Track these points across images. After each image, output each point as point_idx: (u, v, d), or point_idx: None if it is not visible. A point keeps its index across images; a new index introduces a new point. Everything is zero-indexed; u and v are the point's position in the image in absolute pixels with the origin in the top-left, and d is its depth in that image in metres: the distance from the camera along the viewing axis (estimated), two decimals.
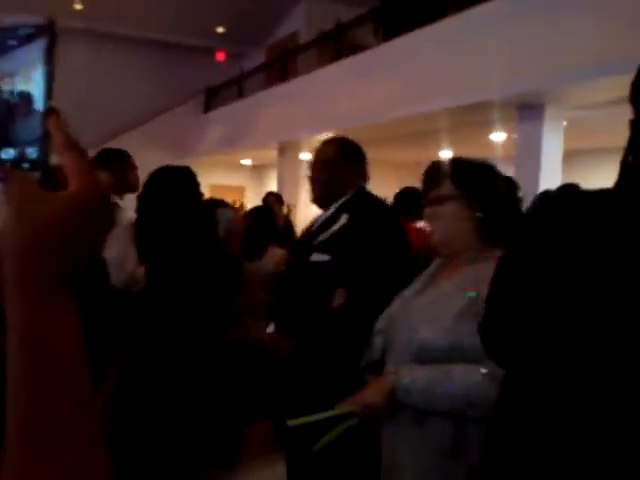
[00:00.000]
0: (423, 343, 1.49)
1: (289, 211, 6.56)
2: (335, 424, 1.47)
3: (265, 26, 13.29)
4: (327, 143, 2.45)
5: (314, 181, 2.41)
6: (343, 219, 2.20)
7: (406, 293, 1.69)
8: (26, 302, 0.46)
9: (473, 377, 1.39)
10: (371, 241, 2.10)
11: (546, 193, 1.02)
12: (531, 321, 1.01)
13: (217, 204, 3.20)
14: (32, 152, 0.51)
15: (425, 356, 1.49)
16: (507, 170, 1.82)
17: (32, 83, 0.50)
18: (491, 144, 8.55)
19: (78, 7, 11.93)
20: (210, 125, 12.93)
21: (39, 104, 0.50)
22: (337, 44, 9.60)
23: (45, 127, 0.50)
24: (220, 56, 14.19)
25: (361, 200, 2.29)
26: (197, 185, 2.41)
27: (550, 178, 6.13)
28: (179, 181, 2.37)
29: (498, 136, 8.12)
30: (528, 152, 6.41)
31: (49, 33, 0.51)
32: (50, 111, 0.51)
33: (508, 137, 7.84)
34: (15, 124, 0.51)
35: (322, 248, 2.19)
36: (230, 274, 2.40)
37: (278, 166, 10.98)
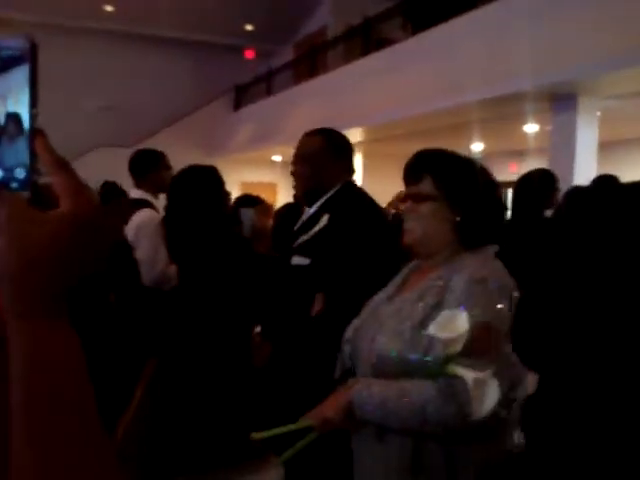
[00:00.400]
0: (380, 355, 1.42)
1: None
2: (303, 435, 1.41)
3: (293, 23, 13.30)
4: (311, 135, 2.26)
5: (297, 176, 2.23)
6: (324, 220, 2.04)
7: (377, 298, 1.61)
8: (23, 322, 0.48)
9: (428, 393, 1.30)
10: (351, 244, 1.96)
11: (576, 189, 1.00)
12: (564, 323, 0.99)
13: (251, 201, 3.22)
14: (20, 172, 0.51)
15: (383, 369, 1.42)
16: (541, 163, 1.76)
17: (21, 105, 0.51)
18: (524, 136, 8.43)
19: (109, 9, 12.09)
20: (240, 122, 13.00)
21: (26, 125, 0.51)
22: (365, 39, 9.56)
23: (32, 148, 0.51)
24: (249, 54, 14.25)
25: (345, 198, 2.12)
26: (222, 184, 2.43)
27: (585, 170, 6.01)
28: (204, 180, 2.39)
29: (531, 128, 7.99)
30: (562, 144, 6.29)
31: (33, 56, 0.51)
32: (36, 132, 0.51)
33: (541, 129, 7.71)
34: (3, 146, 0.51)
35: (302, 251, 2.05)
36: (257, 271, 2.40)
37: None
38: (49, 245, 0.48)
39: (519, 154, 10.49)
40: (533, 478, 1.49)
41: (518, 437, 1.49)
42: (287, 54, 13.45)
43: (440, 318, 1.23)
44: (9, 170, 0.51)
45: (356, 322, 1.59)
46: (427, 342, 1.33)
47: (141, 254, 2.96)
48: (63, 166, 0.51)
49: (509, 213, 4.20)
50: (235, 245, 2.39)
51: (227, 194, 2.53)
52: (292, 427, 1.42)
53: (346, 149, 2.23)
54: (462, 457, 1.37)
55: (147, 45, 13.00)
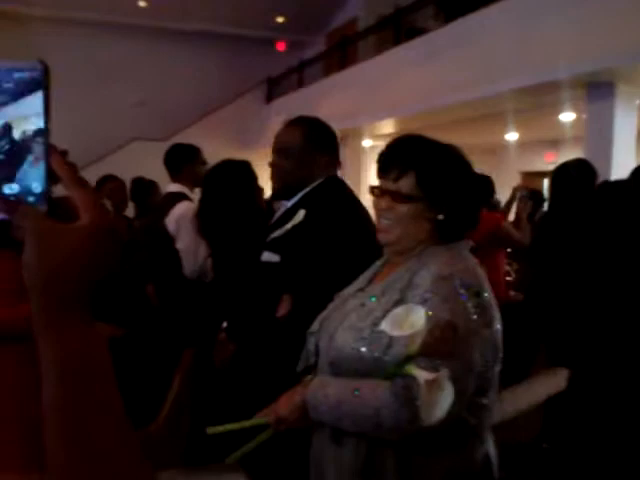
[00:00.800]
0: (338, 351, 1.36)
1: None
2: (256, 434, 1.35)
3: (324, 14, 13.26)
4: (291, 126, 2.08)
5: (275, 169, 2.07)
6: (299, 216, 1.90)
7: (347, 290, 1.54)
8: (51, 329, 0.52)
9: (383, 397, 1.23)
10: (325, 244, 1.80)
11: (610, 184, 0.98)
12: (596, 319, 0.98)
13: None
14: (37, 187, 0.55)
15: (340, 366, 1.36)
16: (577, 152, 1.69)
17: (36, 126, 0.55)
18: (560, 125, 8.27)
19: (142, 4, 12.22)
20: (272, 115, 13.02)
21: (40, 139, 0.55)
22: (397, 29, 9.48)
23: (48, 164, 0.54)
24: (280, 46, 14.25)
25: (325, 193, 1.96)
26: (255, 178, 2.45)
27: (623, 159, 5.88)
28: (238, 175, 2.41)
29: (567, 116, 7.83)
30: (599, 133, 6.15)
31: (46, 80, 0.55)
32: (52, 150, 0.55)
33: (577, 118, 7.55)
34: (24, 162, 0.55)
35: (273, 247, 1.92)
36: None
37: (340, 154, 10.94)
38: (73, 256, 0.52)
39: (555, 143, 10.31)
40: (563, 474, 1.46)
41: (490, 445, 1.41)
42: (318, 45, 13.42)
43: (394, 314, 1.17)
44: (26, 185, 0.54)
45: (323, 314, 1.53)
46: (387, 340, 1.26)
47: (182, 245, 3.03)
48: (79, 181, 0.55)
49: (546, 204, 4.14)
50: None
51: (260, 188, 2.55)
52: (246, 424, 1.36)
53: (329, 141, 2.08)
54: (420, 465, 1.30)
55: (180, 40, 13.10)
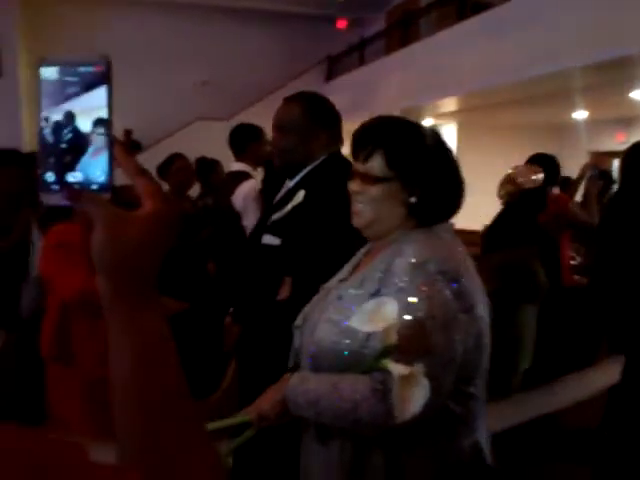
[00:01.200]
0: (317, 346, 1.33)
1: None
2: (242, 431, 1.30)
3: None
4: (290, 101, 2.05)
5: (275, 147, 2.05)
6: (299, 196, 1.86)
7: (331, 281, 1.49)
8: (120, 306, 0.56)
9: (360, 392, 1.20)
10: (325, 225, 1.76)
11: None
12: None
13: None
14: (100, 176, 0.58)
15: (320, 360, 1.33)
16: None
17: (100, 118, 0.58)
18: (631, 103, 7.92)
19: None
20: (333, 94, 12.88)
21: (105, 131, 0.58)
22: (460, 4, 9.21)
23: (112, 155, 0.58)
24: (341, 24, 14.11)
25: (326, 172, 1.90)
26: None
27: None
28: None
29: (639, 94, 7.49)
30: None
31: (109, 74, 0.58)
32: (116, 142, 0.58)
33: None
34: (87, 152, 0.58)
35: (274, 229, 1.88)
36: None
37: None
38: (139, 242, 0.56)
39: (627, 122, 9.88)
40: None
41: (482, 434, 1.37)
42: (379, 22, 13.21)
43: (364, 309, 1.12)
44: (90, 174, 0.58)
45: (307, 308, 1.49)
46: (364, 334, 1.23)
47: (249, 222, 3.08)
48: (142, 171, 0.59)
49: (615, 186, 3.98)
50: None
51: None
52: (230, 422, 1.31)
53: (331, 116, 2.03)
54: (409, 460, 1.27)
55: (241, 19, 13.16)
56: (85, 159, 0.58)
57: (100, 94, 0.58)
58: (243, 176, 3.33)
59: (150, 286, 0.58)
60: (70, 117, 0.57)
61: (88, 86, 0.57)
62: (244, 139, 3.44)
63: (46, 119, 0.57)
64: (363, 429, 1.24)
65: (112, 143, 0.58)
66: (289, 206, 1.88)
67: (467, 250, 1.39)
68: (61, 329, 2.16)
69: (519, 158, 3.70)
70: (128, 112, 11.77)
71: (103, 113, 0.58)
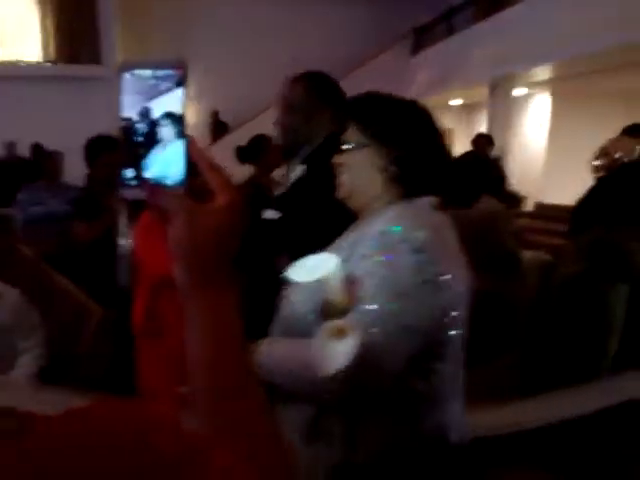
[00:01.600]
0: (289, 312, 1.36)
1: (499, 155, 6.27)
2: None
3: None
4: (294, 80, 2.10)
5: (280, 126, 2.09)
6: (299, 171, 1.91)
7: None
8: (197, 291, 0.62)
9: (310, 352, 1.16)
10: (321, 200, 1.70)
11: None
12: None
13: None
14: (176, 171, 0.63)
15: (289, 326, 1.34)
16: None
17: (175, 116, 0.63)
18: None
19: None
20: (418, 67, 12.71)
21: (181, 130, 0.63)
22: None
23: (186, 151, 0.63)
24: None
25: (328, 148, 1.83)
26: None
27: None
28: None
29: None
30: None
31: (185, 77, 0.63)
32: (191, 139, 0.63)
33: None
34: (162, 147, 0.63)
35: (276, 204, 1.90)
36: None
37: (489, 105, 10.49)
38: (215, 233, 0.62)
39: None
40: None
41: (450, 415, 1.31)
42: None
43: (303, 262, 1.15)
44: (166, 170, 0.62)
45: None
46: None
47: None
48: (215, 167, 0.64)
49: None
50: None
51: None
52: None
53: (335, 95, 2.04)
54: (364, 429, 1.24)
55: None
56: (162, 155, 0.62)
57: (176, 95, 0.62)
58: None
59: (224, 274, 0.63)
60: (148, 116, 0.62)
61: (166, 87, 0.62)
62: None
63: (126, 118, 0.62)
64: (310, 389, 1.23)
65: (187, 140, 0.63)
66: (290, 181, 1.93)
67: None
68: (151, 306, 2.26)
69: (615, 129, 3.48)
70: (215, 93, 12.09)
71: (178, 112, 0.62)
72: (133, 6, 11.46)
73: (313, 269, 1.16)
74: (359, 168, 1.37)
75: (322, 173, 1.75)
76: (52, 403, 1.87)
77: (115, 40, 10.80)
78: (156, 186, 0.62)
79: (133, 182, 0.62)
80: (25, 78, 10.07)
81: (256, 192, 3.71)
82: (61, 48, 10.62)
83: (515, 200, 5.56)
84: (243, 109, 11.46)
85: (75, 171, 4.40)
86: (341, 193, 1.42)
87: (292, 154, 2.07)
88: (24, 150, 7.52)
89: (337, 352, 1.07)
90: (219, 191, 0.62)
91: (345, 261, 1.26)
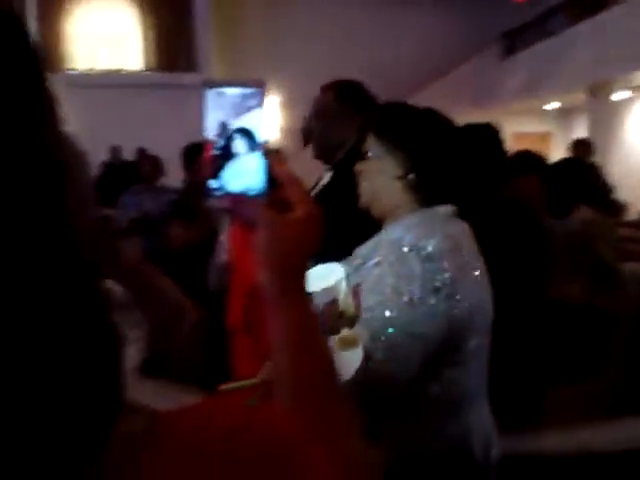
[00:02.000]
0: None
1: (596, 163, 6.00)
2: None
3: None
4: (323, 89, 2.14)
5: (311, 134, 2.13)
6: (326, 177, 1.94)
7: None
8: (280, 296, 0.67)
9: None
10: (347, 207, 1.65)
11: None
12: None
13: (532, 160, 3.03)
14: (257, 184, 0.67)
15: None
16: None
17: (256, 132, 0.67)
18: None
19: None
20: (510, 71, 12.38)
21: (261, 144, 0.67)
22: None
23: (267, 164, 0.67)
24: None
25: (355, 154, 1.81)
26: (501, 143, 2.33)
27: None
28: (481, 140, 2.32)
29: None
30: None
31: (263, 96, 0.67)
32: (271, 152, 0.63)
33: None
34: (246, 162, 0.67)
35: None
36: (540, 242, 2.25)
37: (589, 109, 10.06)
38: (296, 241, 0.67)
39: None
40: None
41: (469, 424, 1.29)
42: None
43: (313, 270, 1.17)
44: (248, 182, 0.67)
45: None
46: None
47: None
48: (294, 179, 0.68)
49: None
50: (513, 210, 2.27)
51: (505, 153, 2.40)
52: (255, 381, 1.36)
53: (363, 99, 2.04)
54: (380, 435, 1.25)
55: (402, 3, 12.98)
56: (243, 168, 0.67)
57: (257, 111, 0.66)
58: None
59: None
60: (230, 131, 0.66)
61: (247, 104, 0.66)
62: None
63: (211, 134, 0.66)
64: None
65: (267, 154, 0.67)
66: (319, 186, 1.96)
67: None
68: (247, 306, 2.35)
69: None
70: (307, 99, 12.24)
71: (259, 128, 0.66)
72: (228, 16, 11.83)
73: (319, 279, 1.20)
74: (377, 177, 1.38)
75: (348, 181, 1.77)
76: (153, 394, 1.97)
77: (211, 48, 11.18)
78: (239, 197, 0.67)
79: (218, 193, 0.67)
80: (127, 86, 10.59)
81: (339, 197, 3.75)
82: (160, 57, 11.12)
83: (616, 209, 5.30)
84: None
85: (172, 175, 4.60)
86: (362, 202, 1.45)
87: (324, 161, 2.09)
88: (125, 155, 7.96)
89: (347, 362, 1.10)
90: (298, 203, 0.67)
91: (358, 269, 1.31)
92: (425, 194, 1.35)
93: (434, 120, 1.40)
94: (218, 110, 0.66)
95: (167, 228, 3.35)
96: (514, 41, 12.80)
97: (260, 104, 0.67)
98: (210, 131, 0.66)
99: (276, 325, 0.68)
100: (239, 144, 0.66)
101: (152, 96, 10.59)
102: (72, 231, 0.38)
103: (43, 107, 0.38)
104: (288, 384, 0.67)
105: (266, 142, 0.68)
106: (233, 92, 0.67)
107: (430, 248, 1.23)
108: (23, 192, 0.35)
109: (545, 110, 12.89)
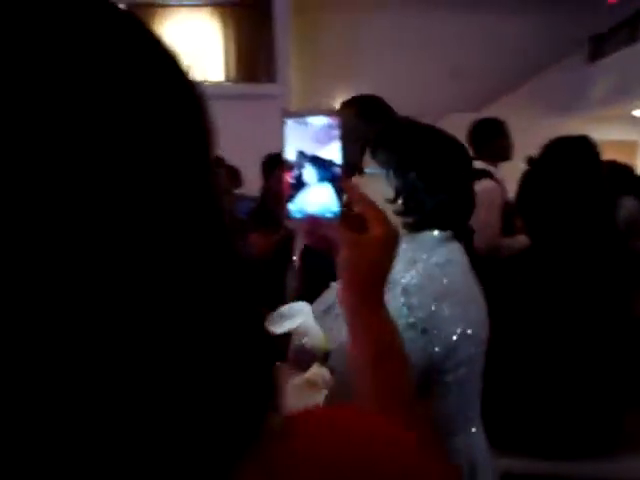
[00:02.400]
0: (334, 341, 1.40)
1: None
2: None
3: None
4: (345, 104, 2.11)
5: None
6: None
7: None
8: (363, 310, 0.73)
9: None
10: None
11: None
12: None
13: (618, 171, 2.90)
14: (334, 206, 0.71)
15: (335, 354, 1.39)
16: None
17: (332, 158, 0.71)
18: None
19: None
20: (596, 76, 11.93)
21: (336, 170, 0.72)
22: None
23: (341, 187, 0.71)
24: None
25: None
26: (598, 160, 2.20)
27: None
28: (577, 156, 2.19)
29: None
30: None
31: (339, 123, 0.71)
32: (346, 177, 0.72)
33: None
34: (323, 186, 0.71)
35: None
36: (627, 270, 2.14)
37: None
38: (375, 260, 0.72)
39: None
40: None
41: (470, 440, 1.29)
42: None
43: (278, 312, 1.21)
44: (325, 205, 0.71)
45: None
46: (326, 328, 1.33)
47: (475, 221, 3.05)
48: (367, 200, 0.74)
49: None
50: (604, 234, 2.16)
51: (602, 170, 2.28)
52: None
53: (384, 115, 2.03)
54: None
55: (489, 4, 12.73)
56: (320, 191, 0.71)
57: (333, 139, 0.70)
58: (482, 174, 3.26)
59: (381, 295, 0.74)
60: (307, 157, 0.70)
61: (323, 132, 0.71)
62: (484, 136, 3.35)
63: (289, 161, 0.71)
64: None
65: (343, 178, 0.72)
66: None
67: None
68: None
69: None
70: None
71: (335, 153, 0.71)
72: (306, 28, 11.98)
73: (284, 320, 1.23)
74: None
75: None
76: None
77: (289, 59, 11.38)
78: (317, 220, 0.71)
79: (297, 214, 0.71)
80: (210, 97, 10.91)
81: None
82: (240, 68, 11.40)
83: None
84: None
85: (251, 184, 4.71)
86: None
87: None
88: None
89: (312, 402, 1.13)
90: (373, 223, 0.72)
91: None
92: (413, 219, 1.32)
93: (432, 141, 1.35)
94: (296, 139, 0.70)
95: (246, 236, 3.44)
96: (602, 44, 12.33)
97: (338, 135, 0.71)
98: (288, 158, 0.70)
99: (356, 341, 0.73)
100: (318, 168, 0.70)
101: (233, 106, 10.86)
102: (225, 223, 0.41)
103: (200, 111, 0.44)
104: (371, 394, 0.71)
105: (342, 165, 0.71)
106: (311, 121, 0.71)
107: (404, 282, 1.23)
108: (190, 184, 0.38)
109: (634, 117, 12.32)
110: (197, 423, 0.36)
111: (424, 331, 1.20)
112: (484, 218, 2.99)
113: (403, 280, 1.23)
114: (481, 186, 3.17)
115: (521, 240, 3.12)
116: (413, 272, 1.24)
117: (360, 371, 0.73)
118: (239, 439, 0.38)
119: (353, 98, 2.16)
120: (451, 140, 1.36)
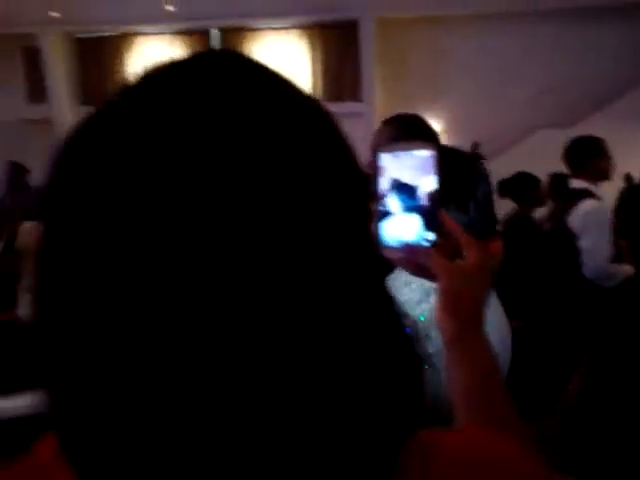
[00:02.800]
0: None
1: None
2: None
3: None
4: (385, 122, 2.06)
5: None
6: None
7: None
8: (465, 339, 0.73)
9: None
10: None
11: None
12: None
13: None
14: (430, 235, 0.71)
15: None
16: None
17: (425, 185, 0.71)
18: None
19: None
20: None
21: (429, 199, 0.71)
22: None
23: (435, 216, 0.71)
24: None
25: None
26: None
27: None
28: None
29: None
30: None
31: (434, 157, 0.71)
32: (441, 211, 0.71)
33: None
34: (419, 217, 0.71)
35: None
36: None
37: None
38: (473, 286, 0.73)
39: None
40: None
41: None
42: None
43: None
44: (418, 234, 0.71)
45: None
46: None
47: (586, 243, 2.93)
48: (460, 229, 0.74)
49: None
50: None
51: None
52: None
53: (425, 137, 1.94)
54: None
55: (590, 18, 12.31)
56: (413, 221, 0.71)
57: (427, 170, 0.71)
58: (584, 194, 3.14)
59: (481, 323, 0.74)
60: (402, 187, 0.71)
61: (418, 164, 0.71)
62: (582, 155, 3.23)
63: (384, 195, 0.72)
64: None
65: (438, 208, 0.71)
66: None
67: None
68: None
69: None
70: (471, 125, 12.02)
71: (430, 183, 0.71)
72: (391, 47, 12.04)
73: None
74: None
75: None
76: None
77: (374, 79, 11.46)
78: (411, 248, 0.71)
79: (393, 243, 0.72)
80: None
81: (524, 226, 3.71)
82: (327, 88, 11.60)
83: None
84: (497, 140, 11.25)
85: None
86: None
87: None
88: None
89: None
90: (468, 250, 0.73)
91: None
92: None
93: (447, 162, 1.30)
94: (390, 170, 0.72)
95: None
96: None
97: (432, 163, 0.71)
98: (381, 189, 0.72)
99: (456, 371, 0.73)
100: (406, 200, 0.71)
101: None
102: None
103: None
104: (475, 416, 0.71)
105: (437, 195, 0.72)
106: (406, 155, 0.72)
107: (421, 316, 1.24)
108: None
109: None
110: (365, 424, 0.39)
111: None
112: (594, 241, 2.91)
113: (417, 315, 1.24)
114: (585, 206, 3.06)
115: (626, 270, 3.02)
116: (422, 307, 1.25)
117: (459, 405, 0.74)
118: (399, 435, 0.41)
119: (395, 116, 2.15)
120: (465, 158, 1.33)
